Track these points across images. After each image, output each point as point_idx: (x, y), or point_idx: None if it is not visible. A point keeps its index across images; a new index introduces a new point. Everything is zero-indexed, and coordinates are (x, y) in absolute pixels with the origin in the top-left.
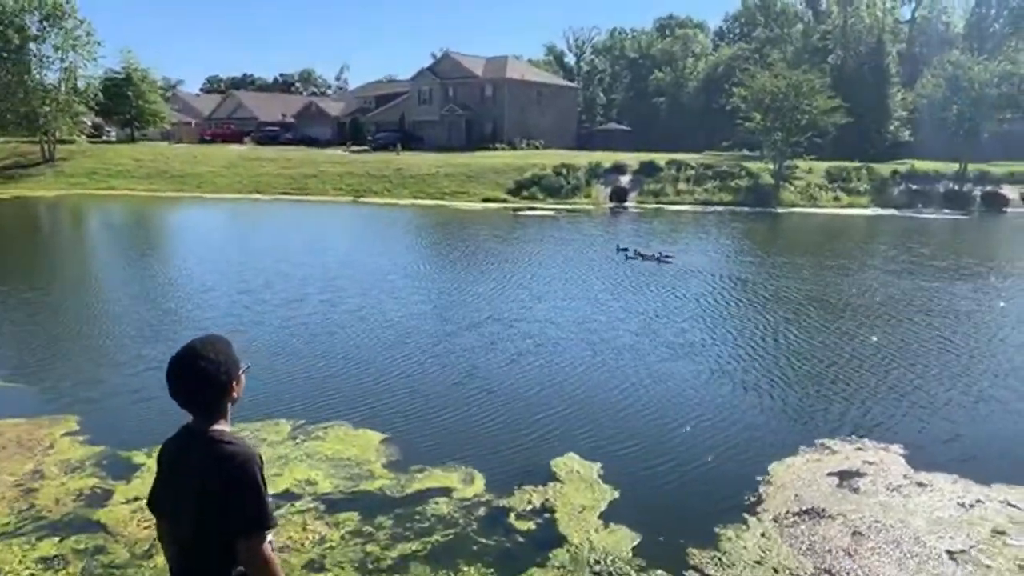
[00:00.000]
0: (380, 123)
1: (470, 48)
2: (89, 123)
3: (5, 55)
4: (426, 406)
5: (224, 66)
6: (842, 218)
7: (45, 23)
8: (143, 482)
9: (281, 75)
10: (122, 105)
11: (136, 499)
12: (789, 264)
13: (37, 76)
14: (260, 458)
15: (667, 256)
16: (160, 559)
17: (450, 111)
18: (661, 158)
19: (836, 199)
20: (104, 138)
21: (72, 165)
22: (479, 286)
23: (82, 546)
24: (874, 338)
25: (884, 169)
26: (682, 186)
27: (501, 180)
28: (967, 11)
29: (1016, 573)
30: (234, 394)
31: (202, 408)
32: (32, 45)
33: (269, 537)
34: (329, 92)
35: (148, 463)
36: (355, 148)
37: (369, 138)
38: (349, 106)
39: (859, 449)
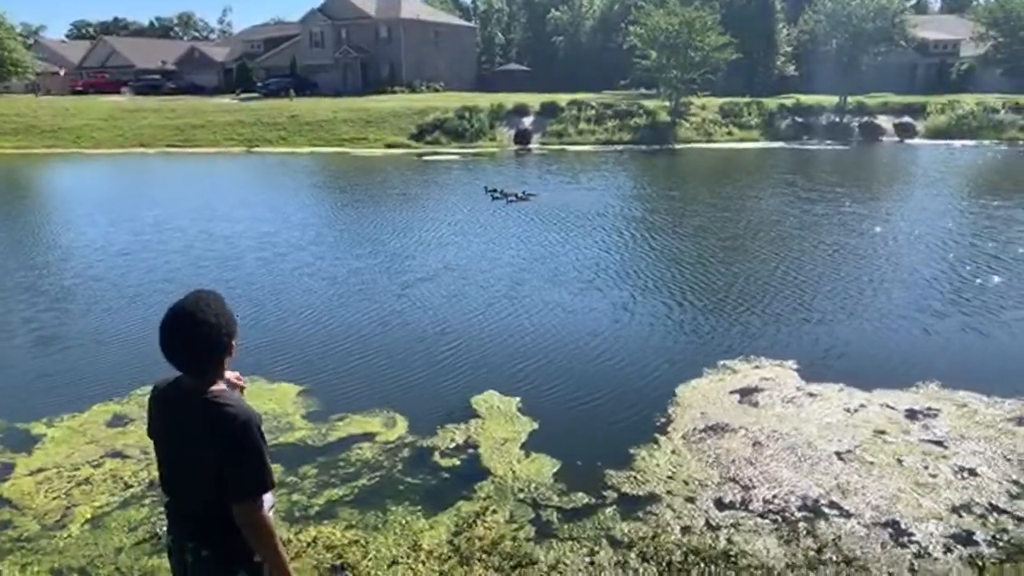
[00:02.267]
0: (270, 68)
1: None
2: None
3: None
4: (340, 355)
5: (91, 9)
6: (735, 152)
7: None
8: (45, 453)
9: (157, 19)
10: None
11: (40, 470)
12: (682, 196)
13: None
14: (259, 419)
15: (529, 194)
16: (74, 528)
17: (344, 54)
18: (562, 99)
19: (729, 134)
20: None
21: None
22: (378, 232)
23: None
24: (765, 263)
25: (772, 103)
26: (583, 126)
27: (402, 124)
28: None
29: (895, 467)
30: (232, 352)
31: (200, 372)
32: None
33: (270, 501)
34: (212, 37)
35: (49, 433)
36: (244, 95)
37: (259, 84)
38: (235, 51)
39: (757, 367)
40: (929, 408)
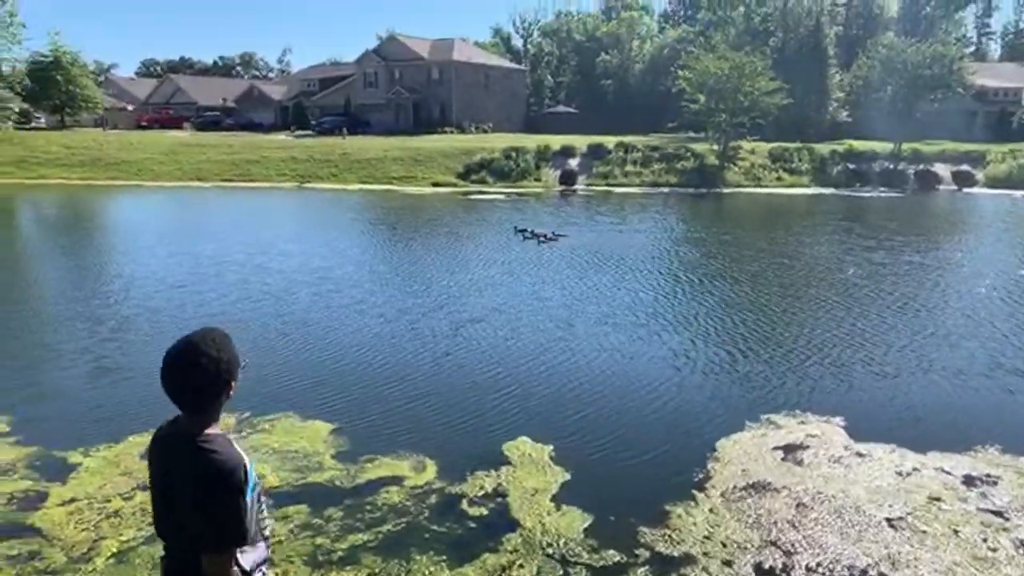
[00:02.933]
0: (324, 107)
1: (416, 30)
2: (16, 109)
3: None
4: (375, 395)
5: (161, 49)
6: (785, 197)
7: None
8: (79, 483)
9: (221, 58)
10: (51, 90)
11: (72, 500)
12: (732, 240)
13: None
14: (246, 469)
15: (559, 235)
16: (99, 562)
17: (396, 94)
18: (609, 141)
19: (779, 179)
20: (33, 125)
21: None
22: (421, 271)
23: (15, 551)
24: (816, 312)
25: (824, 149)
26: (630, 168)
27: (450, 164)
28: None
29: (950, 538)
30: (231, 393)
31: (195, 407)
32: None
33: (258, 557)
34: (271, 76)
35: (84, 463)
36: (299, 133)
37: (313, 122)
38: (292, 90)
39: (802, 423)
40: (988, 475)
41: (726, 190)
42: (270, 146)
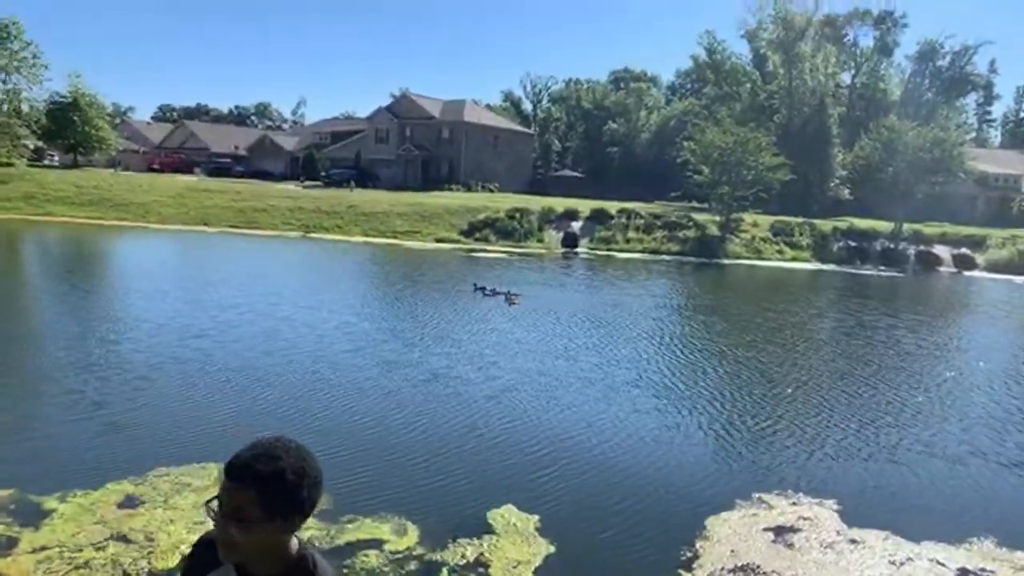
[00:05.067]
0: (335, 159)
1: (429, 90)
2: (31, 147)
3: None
4: (359, 452)
5: (179, 95)
6: (785, 271)
7: None
8: (52, 529)
9: (237, 107)
10: (67, 130)
11: (43, 548)
12: (731, 311)
13: None
14: None
15: (514, 294)
16: None
17: (407, 151)
18: (612, 206)
19: (780, 252)
20: (46, 163)
21: (8, 189)
22: (412, 326)
23: None
24: (815, 389)
25: (825, 225)
26: (632, 234)
27: (455, 221)
28: (903, 80)
29: None
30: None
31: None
32: None
33: None
34: (284, 126)
35: (60, 509)
36: (308, 183)
37: (323, 174)
38: (304, 141)
39: (794, 504)
40: (983, 568)
41: (727, 261)
42: (278, 195)
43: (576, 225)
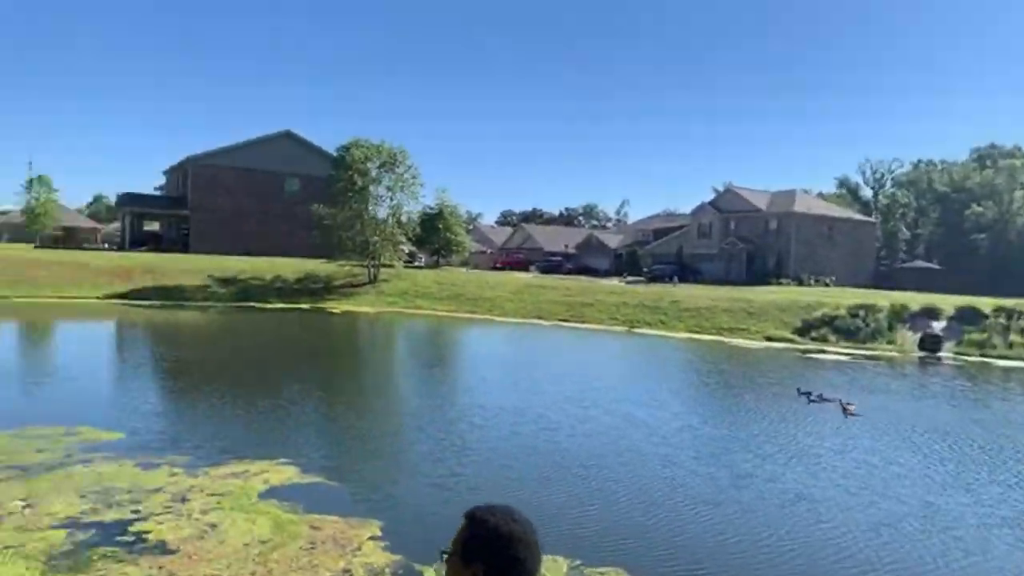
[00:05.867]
0: (657, 255)
1: (753, 183)
2: (406, 251)
3: (351, 194)
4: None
5: (517, 201)
6: None
7: (382, 169)
8: None
9: (566, 209)
10: (433, 236)
11: None
12: None
13: (372, 212)
14: None
15: (848, 404)
16: None
17: (730, 244)
18: (984, 303)
19: None
20: (416, 264)
21: (389, 286)
22: (755, 436)
23: None
24: None
25: None
26: (1015, 338)
27: (785, 318)
28: None
29: None
30: None
31: None
32: (371, 187)
33: None
34: (609, 225)
35: None
36: (631, 279)
37: (645, 269)
38: (627, 238)
39: None
40: None
41: None
42: (603, 291)
43: (937, 325)
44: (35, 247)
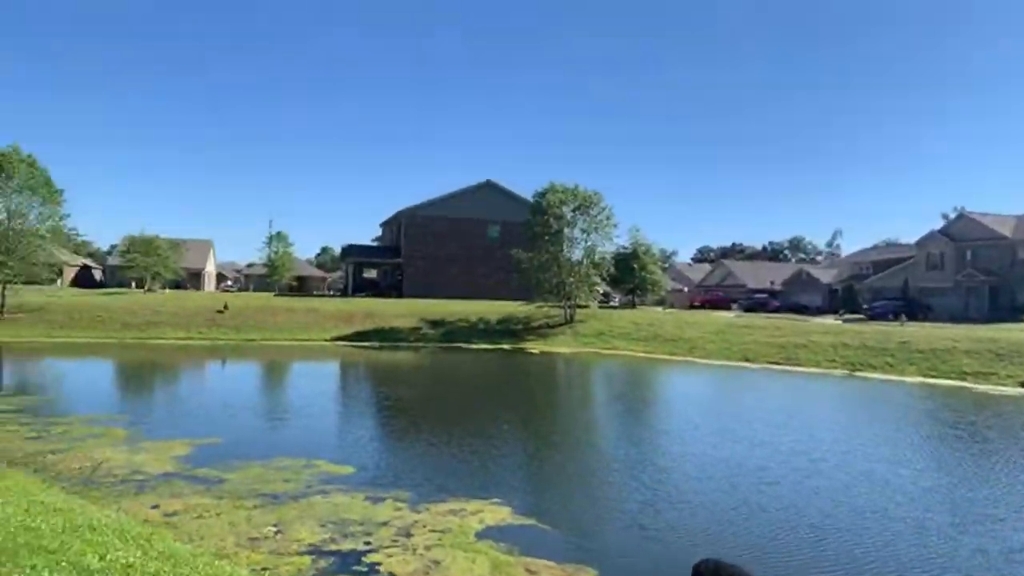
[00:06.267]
0: (877, 290)
1: (992, 208)
2: (601, 291)
3: (547, 237)
4: None
5: (714, 237)
6: None
7: (576, 212)
8: None
9: (770, 243)
10: (628, 275)
11: None
12: None
13: (567, 254)
14: None
15: None
16: None
17: (967, 276)
18: None
19: None
20: (611, 304)
21: (585, 327)
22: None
23: None
24: None
25: None
26: None
27: None
28: None
29: None
30: None
31: None
32: (566, 230)
33: None
34: (819, 259)
35: None
36: (848, 317)
37: (864, 306)
38: (842, 273)
39: None
40: None
41: None
42: (817, 330)
43: None
44: (275, 295)
